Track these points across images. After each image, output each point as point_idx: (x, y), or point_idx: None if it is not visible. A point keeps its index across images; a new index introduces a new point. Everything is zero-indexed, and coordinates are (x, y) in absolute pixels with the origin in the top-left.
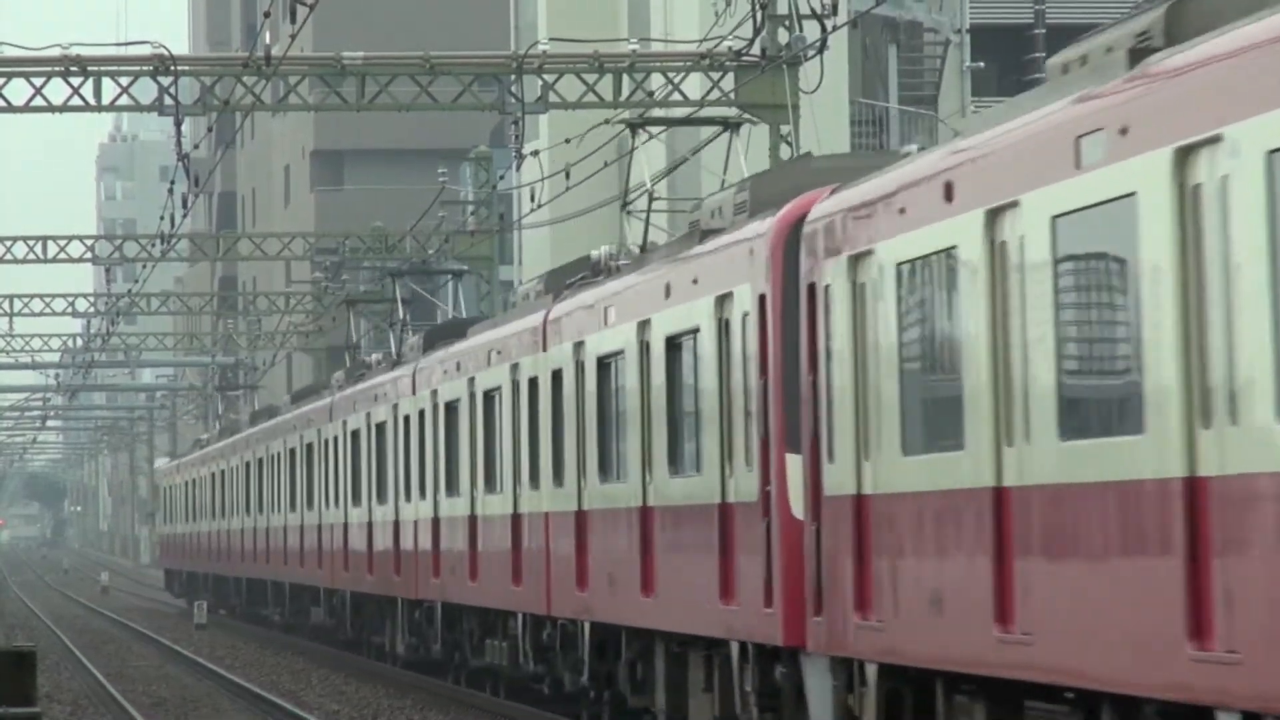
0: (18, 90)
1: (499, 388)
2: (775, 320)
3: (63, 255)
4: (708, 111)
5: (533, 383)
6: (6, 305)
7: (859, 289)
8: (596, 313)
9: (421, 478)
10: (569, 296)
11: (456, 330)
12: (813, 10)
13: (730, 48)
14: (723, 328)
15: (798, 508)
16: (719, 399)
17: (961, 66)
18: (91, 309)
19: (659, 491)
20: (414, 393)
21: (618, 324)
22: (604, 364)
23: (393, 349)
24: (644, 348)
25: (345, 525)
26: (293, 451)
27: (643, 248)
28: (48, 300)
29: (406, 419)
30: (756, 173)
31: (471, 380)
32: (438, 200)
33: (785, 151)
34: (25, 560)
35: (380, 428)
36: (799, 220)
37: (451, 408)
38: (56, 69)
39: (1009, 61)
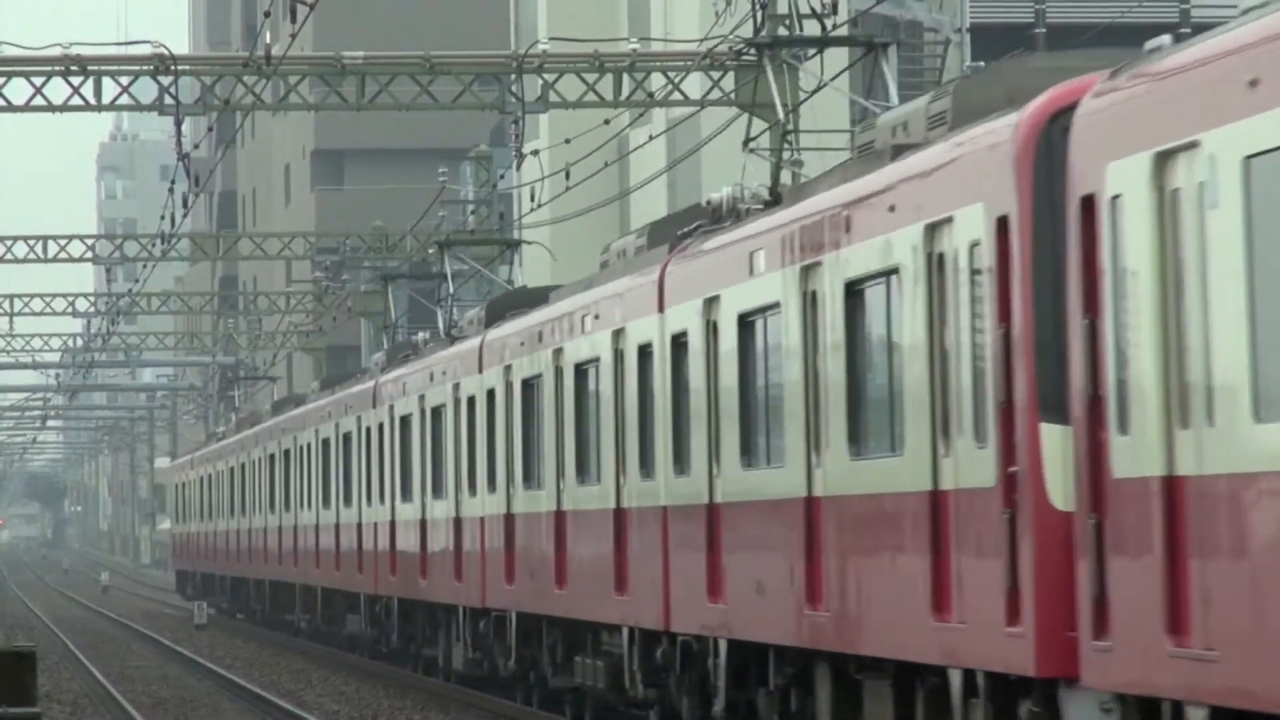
0: (18, 90)
1: (596, 360)
2: (1024, 248)
3: (63, 255)
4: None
5: (645, 351)
6: (6, 305)
7: (1170, 198)
8: (737, 261)
9: (490, 468)
10: (691, 247)
11: (528, 299)
12: (813, 10)
13: (730, 47)
14: (934, 264)
15: (1059, 495)
16: (928, 357)
17: (962, 66)
18: (92, 309)
19: (832, 477)
20: (480, 370)
21: (768, 272)
22: (747, 323)
23: (441, 326)
24: (810, 300)
25: (393, 524)
26: (326, 442)
27: (772, 189)
28: (48, 300)
29: (471, 401)
30: (957, 77)
31: (558, 352)
32: (438, 200)
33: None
34: (25, 560)
35: (437, 412)
36: (1054, 117)
37: (531, 386)
38: (57, 68)
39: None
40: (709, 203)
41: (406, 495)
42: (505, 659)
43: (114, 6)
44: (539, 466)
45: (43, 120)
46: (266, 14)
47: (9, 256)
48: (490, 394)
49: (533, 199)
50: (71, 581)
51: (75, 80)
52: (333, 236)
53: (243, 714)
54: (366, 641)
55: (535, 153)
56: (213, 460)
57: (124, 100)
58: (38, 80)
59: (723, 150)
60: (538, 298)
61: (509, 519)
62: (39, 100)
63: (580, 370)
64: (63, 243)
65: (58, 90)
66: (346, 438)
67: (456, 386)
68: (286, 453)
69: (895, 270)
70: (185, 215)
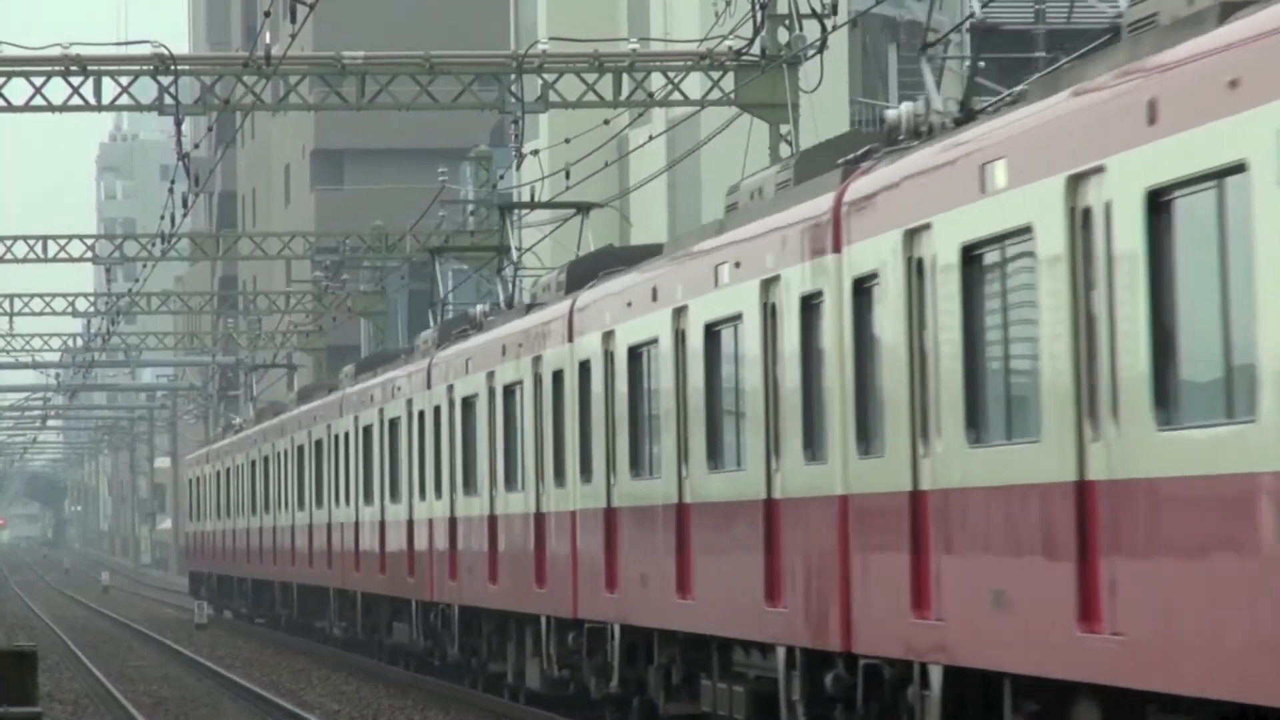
0: (18, 90)
1: (738, 316)
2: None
3: (63, 255)
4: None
5: (811, 304)
6: (6, 305)
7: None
8: (960, 177)
9: (585, 455)
10: (884, 164)
11: (622, 257)
12: (813, 10)
13: (730, 47)
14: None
15: None
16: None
17: (962, 66)
18: (91, 309)
19: (1123, 456)
20: (570, 339)
21: (652, 312)
22: (972, 262)
23: (501, 297)
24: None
25: (452, 520)
26: (367, 430)
27: (962, 104)
28: (48, 300)
29: (557, 376)
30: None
31: (679, 312)
32: (438, 200)
33: (785, 151)
34: (26, 560)
35: (510, 390)
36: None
37: (639, 355)
38: (56, 68)
39: (1009, 62)
40: (881, 123)
41: (470, 488)
42: (603, 677)
43: (114, 6)
44: (657, 452)
45: (43, 120)
46: (266, 14)
47: (9, 256)
48: (584, 368)
49: (533, 199)
50: (72, 581)
51: (75, 80)
52: (332, 236)
53: (243, 714)
54: (417, 653)
55: (535, 153)
56: (232, 453)
57: (124, 100)
58: (38, 80)
59: (723, 151)
60: (632, 256)
61: (610, 513)
62: (39, 100)
63: (711, 331)
64: (63, 243)
65: (58, 90)
66: (393, 423)
67: (536, 361)
68: (319, 443)
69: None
70: (185, 215)
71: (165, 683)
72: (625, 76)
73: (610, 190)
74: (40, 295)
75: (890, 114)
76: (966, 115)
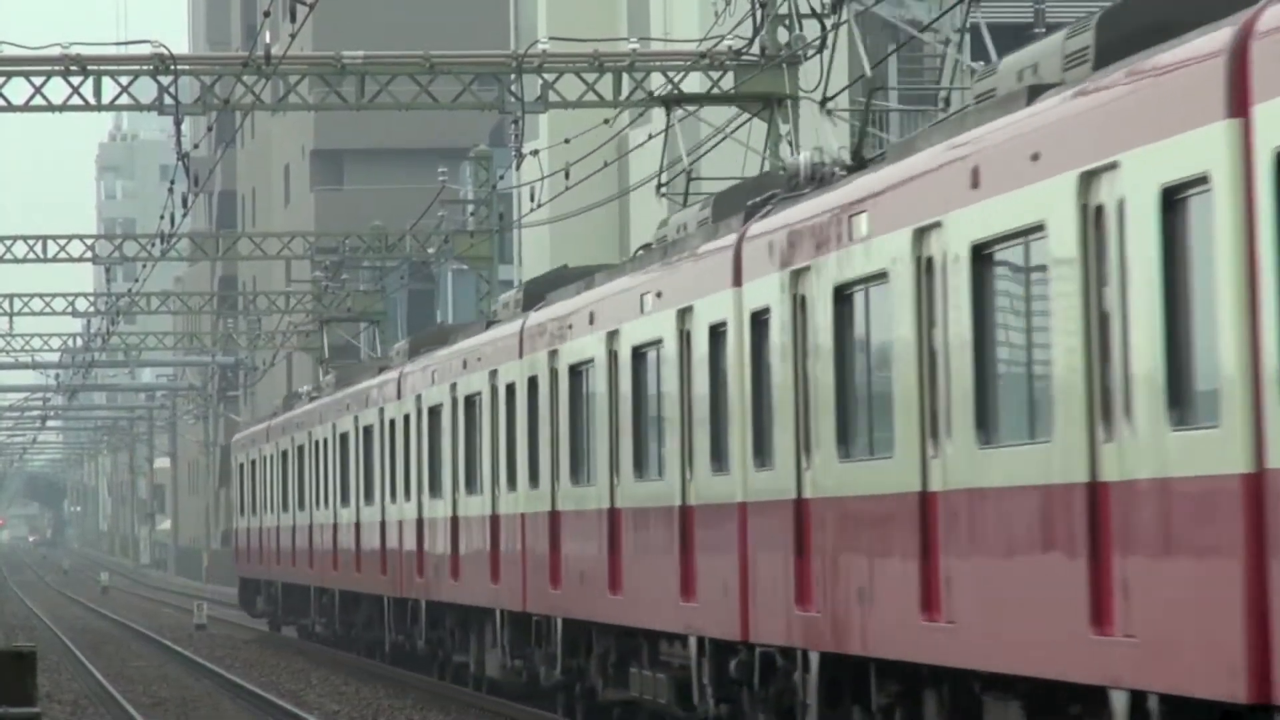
0: (18, 89)
1: (659, 341)
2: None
3: (63, 255)
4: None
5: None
6: (6, 305)
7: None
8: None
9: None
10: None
11: (575, 277)
12: (812, 9)
13: (730, 47)
14: (683, 339)
15: None
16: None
17: (962, 66)
18: (91, 309)
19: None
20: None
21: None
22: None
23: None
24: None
25: (612, 513)
26: (534, 381)
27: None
28: (48, 300)
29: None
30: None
31: (613, 335)
32: (438, 200)
33: (785, 151)
34: (26, 560)
35: (640, 355)
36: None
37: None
38: (56, 68)
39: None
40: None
41: (577, 476)
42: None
43: (114, 6)
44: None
45: (43, 120)
46: (266, 14)
47: (9, 256)
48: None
49: (532, 199)
50: (71, 581)
51: (75, 80)
52: (332, 236)
53: (243, 714)
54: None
55: (535, 153)
56: (301, 427)
57: (124, 100)
58: (37, 80)
59: (723, 150)
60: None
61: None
62: (39, 100)
63: (846, 297)
64: (62, 242)
65: (57, 90)
66: (579, 377)
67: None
68: (434, 409)
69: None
70: (185, 215)
71: (165, 683)
72: (625, 76)
73: (610, 190)
74: (40, 295)
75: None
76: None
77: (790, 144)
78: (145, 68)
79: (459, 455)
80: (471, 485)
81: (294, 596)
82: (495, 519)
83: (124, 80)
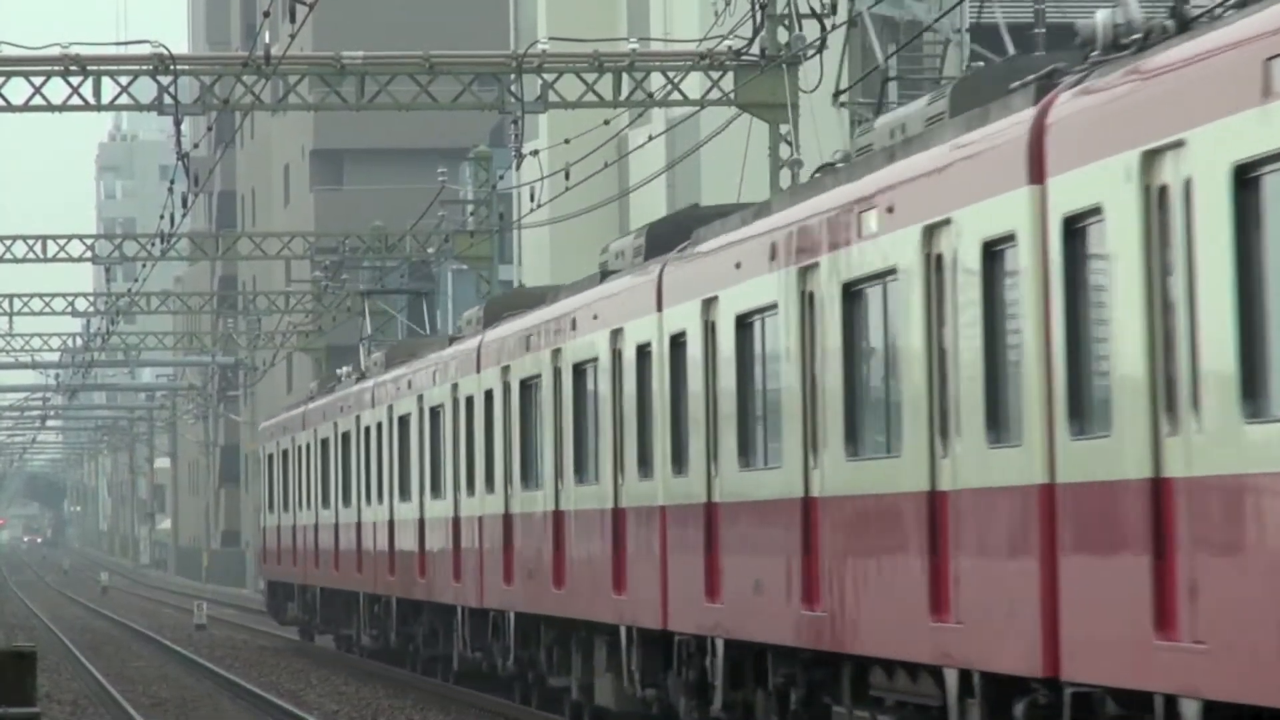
0: (17, 89)
1: (595, 359)
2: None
3: (63, 255)
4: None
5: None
6: (6, 305)
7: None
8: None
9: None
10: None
11: (532, 297)
12: (812, 9)
13: (730, 47)
14: (617, 359)
15: None
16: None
17: (961, 66)
18: (91, 308)
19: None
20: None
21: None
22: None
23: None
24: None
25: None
26: (619, 351)
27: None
28: (48, 300)
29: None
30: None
31: (556, 353)
32: (438, 200)
33: (785, 151)
34: (25, 560)
35: (744, 322)
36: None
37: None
38: (56, 68)
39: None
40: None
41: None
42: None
43: (113, 6)
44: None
45: (42, 120)
46: (266, 14)
47: (9, 256)
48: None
49: (532, 199)
50: (71, 581)
51: (74, 80)
52: (332, 236)
53: (243, 714)
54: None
55: (535, 153)
56: (350, 409)
57: (123, 100)
58: (37, 80)
59: (722, 151)
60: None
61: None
62: (38, 100)
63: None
64: (62, 242)
65: (57, 90)
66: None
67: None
68: (529, 382)
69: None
70: (184, 215)
71: (164, 683)
72: (625, 76)
73: (610, 191)
74: (40, 295)
75: (1085, 25)
76: (1181, 26)
77: (789, 143)
78: (145, 68)
79: (564, 437)
80: (583, 474)
81: (334, 604)
82: (620, 510)
83: (124, 80)
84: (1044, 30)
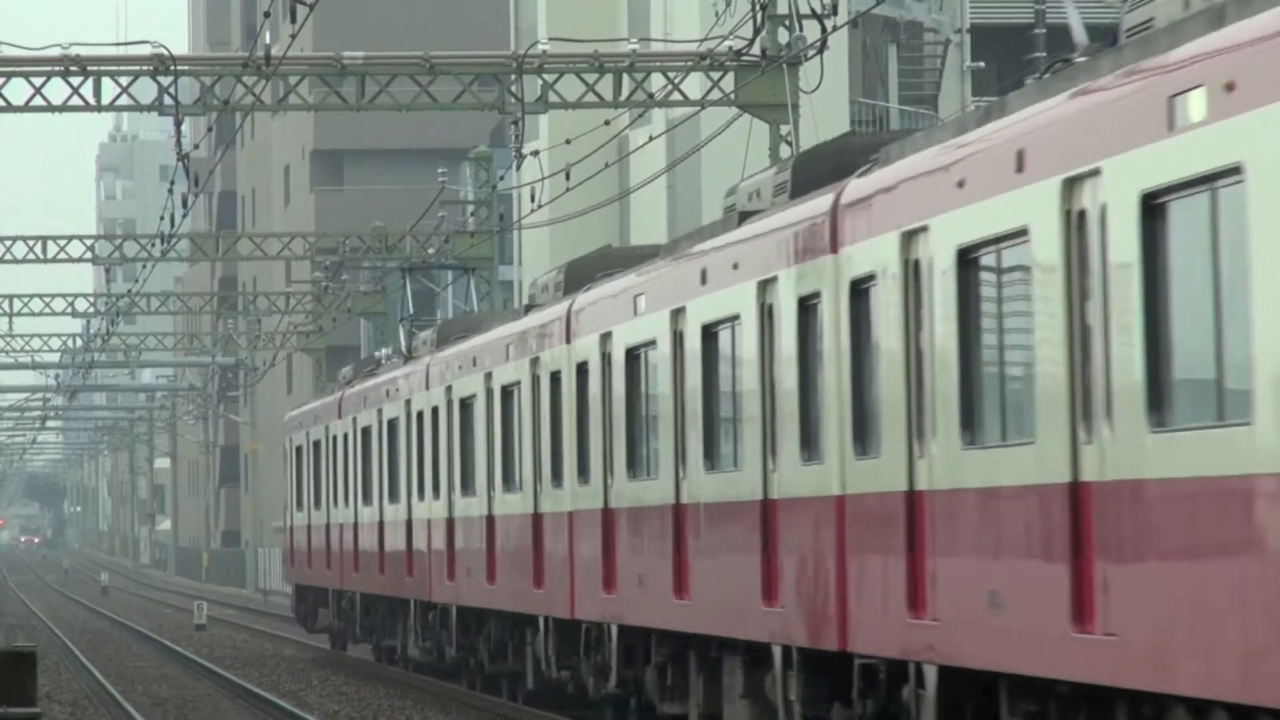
0: (18, 90)
1: (517, 383)
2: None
3: (63, 255)
4: None
5: (555, 378)
6: (6, 305)
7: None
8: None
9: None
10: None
11: (479, 321)
12: (813, 10)
13: (730, 47)
14: (535, 381)
15: None
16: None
17: (962, 66)
18: (91, 309)
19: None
20: (433, 385)
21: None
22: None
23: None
24: (538, 379)
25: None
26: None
27: None
28: (48, 300)
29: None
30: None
31: (488, 376)
32: (438, 200)
33: (785, 151)
34: (25, 560)
35: (860, 291)
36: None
37: (468, 403)
38: (56, 69)
39: (1009, 61)
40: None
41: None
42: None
43: (113, 6)
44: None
45: (43, 120)
46: (266, 14)
47: (9, 256)
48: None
49: (532, 199)
50: (71, 581)
51: (75, 80)
52: (332, 237)
53: (243, 714)
54: None
55: (535, 153)
56: (397, 393)
57: (124, 100)
58: (37, 80)
59: (723, 151)
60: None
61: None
62: (39, 100)
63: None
64: (62, 243)
65: (57, 90)
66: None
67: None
68: (634, 351)
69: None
70: (185, 215)
71: (165, 683)
72: (625, 77)
73: (610, 191)
74: (40, 296)
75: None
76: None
77: (790, 144)
78: (145, 68)
79: (692, 416)
80: (711, 461)
81: (376, 612)
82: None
83: (124, 81)
84: (1044, 30)
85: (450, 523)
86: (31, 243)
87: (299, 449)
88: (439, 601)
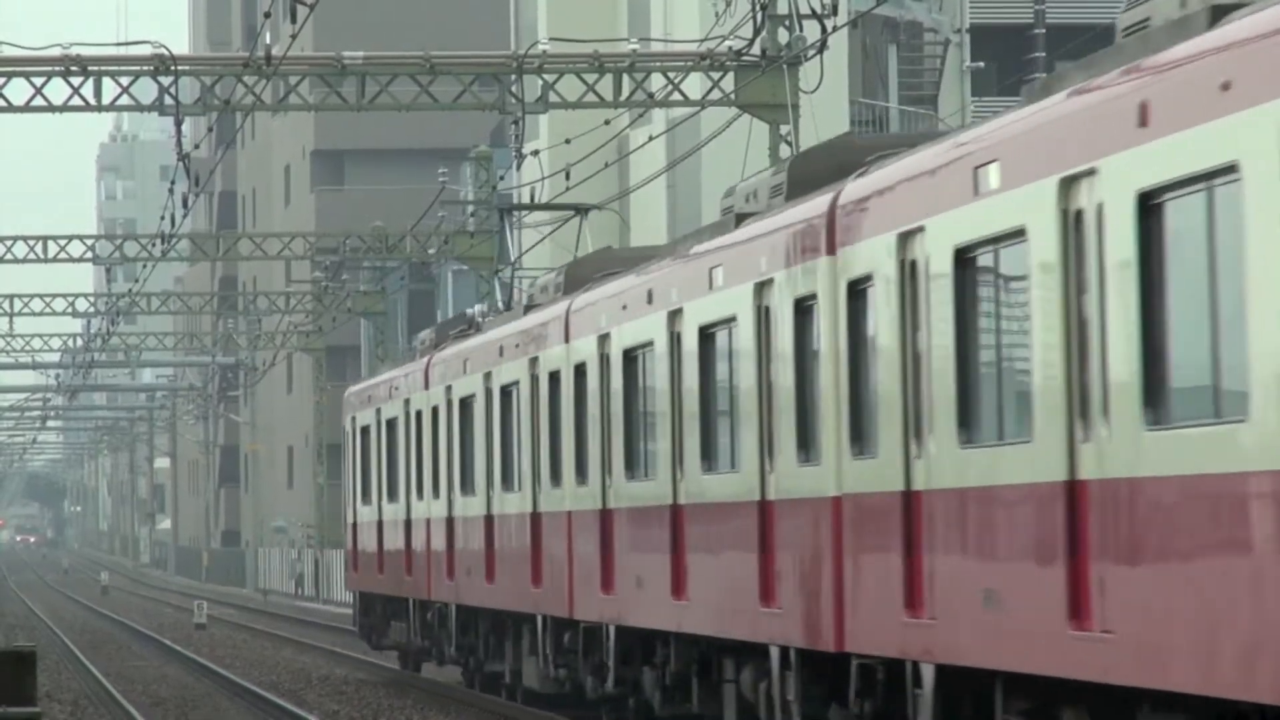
0: (18, 90)
1: (515, 382)
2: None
3: (63, 255)
4: None
5: (509, 391)
6: (6, 305)
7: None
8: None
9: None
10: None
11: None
12: (813, 10)
13: (730, 48)
14: (520, 387)
15: None
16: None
17: (961, 66)
18: (91, 309)
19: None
20: (425, 386)
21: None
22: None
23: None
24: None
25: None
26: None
27: None
28: (48, 300)
29: (462, 404)
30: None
31: (488, 376)
32: (438, 200)
33: (785, 151)
34: (25, 560)
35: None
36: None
37: (467, 403)
38: (56, 69)
39: (1009, 62)
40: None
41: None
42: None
43: (114, 6)
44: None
45: (43, 120)
46: (266, 14)
47: (9, 256)
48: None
49: (533, 199)
50: (71, 581)
51: (75, 80)
52: (332, 237)
53: (243, 714)
54: None
55: (535, 153)
56: (504, 354)
57: (124, 100)
58: (38, 80)
59: (723, 151)
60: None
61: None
62: (39, 100)
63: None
64: (63, 243)
65: (58, 90)
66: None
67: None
68: (805, 303)
69: (516, 382)
70: (185, 215)
71: (165, 683)
72: (625, 77)
73: (610, 191)
74: (40, 295)
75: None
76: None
77: (790, 144)
78: (145, 68)
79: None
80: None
81: (472, 628)
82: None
83: (124, 81)
84: (1044, 30)
85: (608, 514)
86: (32, 243)
87: (364, 429)
88: (581, 619)
